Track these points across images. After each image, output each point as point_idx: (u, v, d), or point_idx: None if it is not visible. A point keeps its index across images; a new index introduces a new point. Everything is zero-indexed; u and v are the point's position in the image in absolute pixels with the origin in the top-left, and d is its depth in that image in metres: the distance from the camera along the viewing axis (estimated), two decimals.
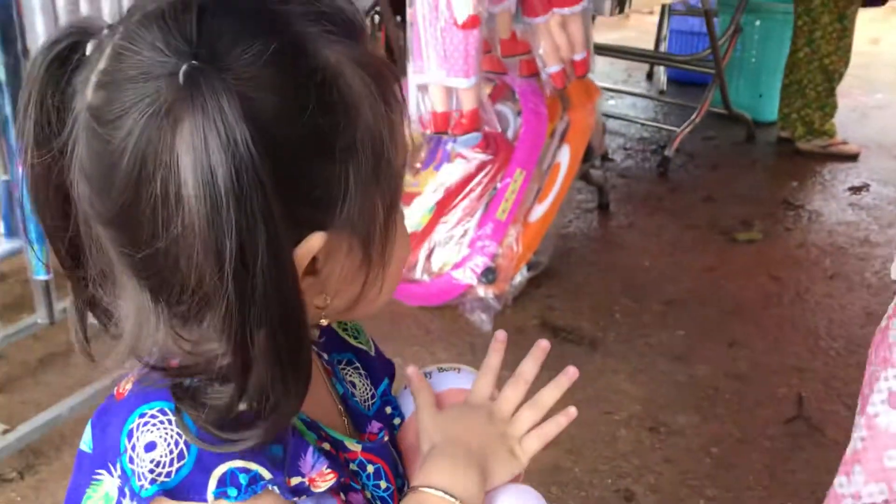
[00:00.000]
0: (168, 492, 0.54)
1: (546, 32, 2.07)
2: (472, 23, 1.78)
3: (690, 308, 2.65)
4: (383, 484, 0.66)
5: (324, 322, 0.61)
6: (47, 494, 1.84)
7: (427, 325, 2.63)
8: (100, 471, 0.57)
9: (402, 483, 0.70)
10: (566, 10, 2.05)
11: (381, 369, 0.76)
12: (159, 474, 0.54)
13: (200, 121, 0.47)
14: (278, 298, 0.50)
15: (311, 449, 0.59)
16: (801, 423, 2.10)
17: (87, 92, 0.52)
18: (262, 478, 0.55)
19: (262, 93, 0.50)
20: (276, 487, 0.55)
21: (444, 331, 2.59)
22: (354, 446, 0.65)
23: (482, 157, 2.59)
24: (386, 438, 0.69)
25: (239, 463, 0.54)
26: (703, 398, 2.21)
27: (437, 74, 1.84)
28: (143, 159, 0.49)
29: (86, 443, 0.61)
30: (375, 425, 0.70)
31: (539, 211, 2.66)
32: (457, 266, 2.55)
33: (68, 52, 0.54)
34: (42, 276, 1.83)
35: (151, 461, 0.55)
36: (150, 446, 0.55)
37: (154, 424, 0.55)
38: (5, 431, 1.90)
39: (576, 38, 2.07)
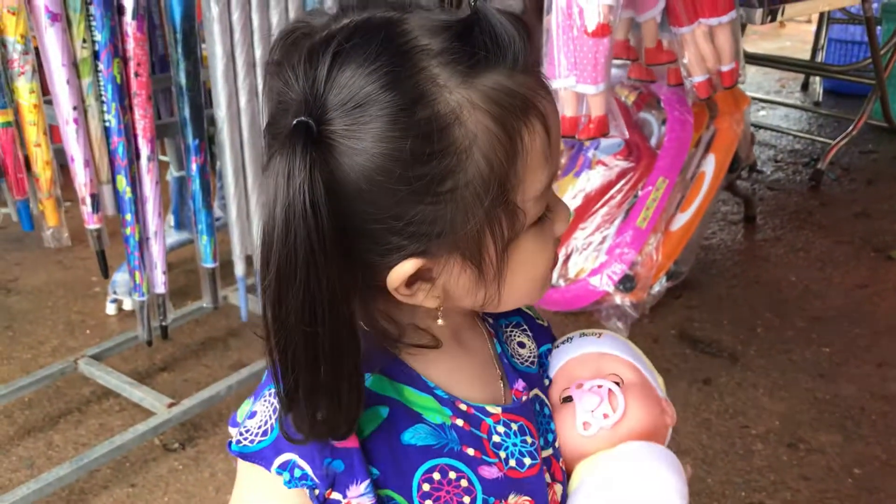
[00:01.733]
0: (243, 455, 0.64)
1: (691, 42, 2.05)
2: (602, 31, 1.81)
3: (838, 325, 2.55)
4: (529, 439, 0.70)
5: (440, 322, 0.65)
6: (206, 465, 2.00)
7: (563, 330, 2.62)
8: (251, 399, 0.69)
9: (553, 437, 0.74)
10: (713, 21, 2.03)
11: (545, 334, 0.81)
12: (245, 438, 0.65)
13: (277, 167, 0.54)
14: (309, 319, 0.55)
15: (368, 482, 0.63)
16: None
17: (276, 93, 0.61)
18: (309, 479, 0.62)
19: (362, 144, 0.55)
20: (312, 492, 0.62)
21: None
22: (495, 409, 0.69)
23: (623, 164, 2.61)
24: (525, 399, 0.72)
25: (300, 460, 0.62)
26: (847, 418, 2.13)
27: (568, 80, 1.88)
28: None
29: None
30: (520, 383, 0.73)
31: (681, 220, 2.64)
32: (594, 272, 2.57)
33: (291, 42, 0.60)
34: (210, 265, 1.99)
35: (245, 428, 0.65)
36: (252, 415, 0.66)
37: (265, 400, 0.65)
38: (171, 405, 2.08)
39: (723, 48, 2.04)
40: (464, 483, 0.66)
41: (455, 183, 0.57)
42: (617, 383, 0.74)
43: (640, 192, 2.57)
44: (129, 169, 1.74)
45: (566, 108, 1.87)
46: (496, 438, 0.68)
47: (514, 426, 0.70)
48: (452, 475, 0.66)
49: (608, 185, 2.61)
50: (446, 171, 0.56)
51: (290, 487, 0.62)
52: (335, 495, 0.63)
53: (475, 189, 0.57)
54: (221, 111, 1.88)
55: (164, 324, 2.02)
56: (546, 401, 0.76)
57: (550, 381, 0.78)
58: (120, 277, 2.54)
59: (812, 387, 2.27)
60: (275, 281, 0.55)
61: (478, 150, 0.56)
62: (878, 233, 3.12)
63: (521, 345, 0.77)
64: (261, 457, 0.63)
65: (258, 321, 0.67)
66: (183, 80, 1.81)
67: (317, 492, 0.62)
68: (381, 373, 0.66)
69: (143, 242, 1.84)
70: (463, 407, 0.68)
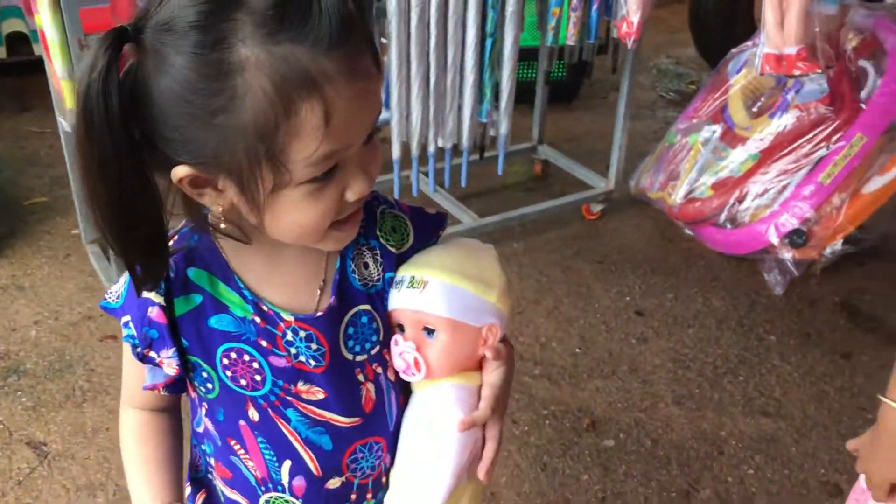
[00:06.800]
0: (106, 309, 0.83)
1: (769, 4, 1.78)
2: None
3: None
4: (314, 346, 0.82)
5: (222, 225, 0.76)
6: None
7: (718, 271, 2.60)
8: None
9: (370, 346, 0.84)
10: None
11: (392, 262, 0.86)
12: (110, 296, 0.83)
13: (94, 48, 0.66)
14: (104, 174, 0.67)
15: (174, 349, 0.80)
16: None
17: None
18: (134, 338, 0.80)
19: (159, 61, 0.65)
20: (134, 348, 0.81)
21: (730, 282, 2.55)
22: (288, 317, 0.81)
23: (822, 112, 2.42)
24: (321, 314, 0.82)
25: (131, 323, 0.80)
26: None
27: None
28: None
29: None
30: (334, 299, 0.82)
31: (877, 184, 2.41)
32: (763, 221, 2.46)
33: None
34: None
35: (111, 290, 0.84)
36: (117, 281, 0.84)
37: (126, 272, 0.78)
38: None
39: (790, 23, 1.71)
40: (255, 365, 0.81)
41: (225, 121, 0.65)
42: (431, 330, 0.83)
43: (832, 146, 2.39)
44: None
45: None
46: (289, 337, 0.81)
47: (302, 333, 0.81)
48: (246, 357, 0.81)
49: (800, 132, 2.44)
50: (219, 108, 0.65)
51: (125, 341, 0.82)
52: (152, 353, 0.81)
53: (239, 132, 0.65)
54: (392, 4, 2.05)
55: None
56: (375, 316, 0.85)
57: (386, 309, 0.86)
58: None
59: None
60: (79, 139, 0.67)
61: (250, 102, 0.64)
62: None
63: (366, 265, 0.85)
64: (116, 311, 0.82)
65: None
66: None
67: (137, 349, 0.81)
68: (203, 268, 0.80)
69: None
70: (264, 308, 0.81)
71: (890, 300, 2.44)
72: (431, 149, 2.31)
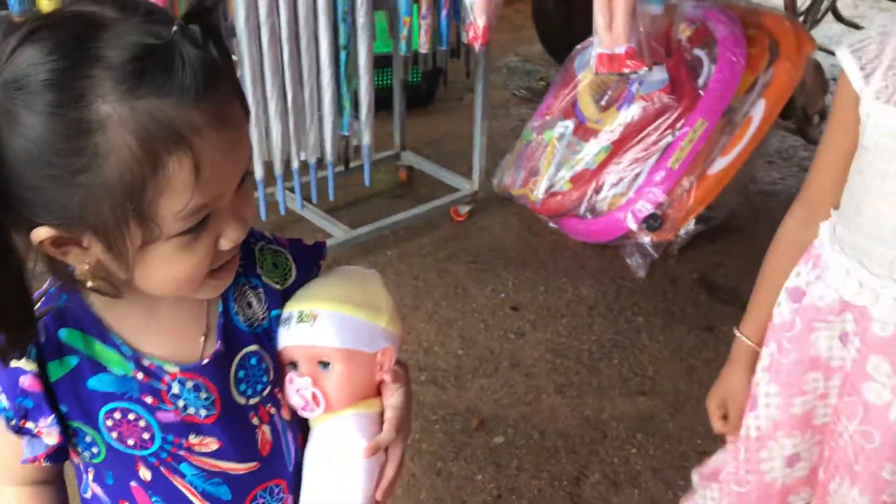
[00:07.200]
0: None
1: (598, 6, 1.91)
2: None
3: None
4: (203, 394, 0.79)
5: (89, 284, 0.71)
6: None
7: (584, 260, 2.70)
8: None
9: (262, 388, 0.82)
10: None
11: (277, 299, 0.84)
12: None
13: None
14: None
15: (53, 416, 0.75)
16: None
17: None
18: (5, 410, 0.75)
19: (12, 120, 0.61)
20: (8, 421, 0.75)
21: (597, 269, 2.65)
22: (173, 368, 0.78)
23: (665, 101, 2.56)
24: (207, 361, 0.79)
25: (1, 395, 0.75)
26: None
27: None
28: None
29: None
30: (220, 345, 0.80)
31: (720, 165, 2.57)
32: (621, 208, 2.57)
33: None
34: None
35: None
36: None
37: None
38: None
39: (617, 24, 1.85)
40: (142, 423, 0.78)
41: (88, 180, 0.62)
42: (326, 363, 0.82)
43: (677, 132, 2.53)
44: None
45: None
46: (175, 390, 0.78)
47: (190, 384, 0.79)
48: (131, 416, 0.77)
49: (647, 122, 2.57)
50: (80, 168, 0.62)
51: None
52: (30, 424, 0.76)
53: (104, 191, 0.63)
54: (241, 22, 2.01)
55: None
56: (264, 356, 0.83)
57: (276, 346, 0.84)
58: None
59: None
60: None
61: (114, 159, 0.62)
62: None
63: (250, 304, 0.83)
64: None
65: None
66: None
67: (12, 422, 0.75)
68: (75, 328, 0.76)
69: None
70: (146, 363, 0.78)
71: (742, 272, 2.60)
72: (295, 164, 2.29)
